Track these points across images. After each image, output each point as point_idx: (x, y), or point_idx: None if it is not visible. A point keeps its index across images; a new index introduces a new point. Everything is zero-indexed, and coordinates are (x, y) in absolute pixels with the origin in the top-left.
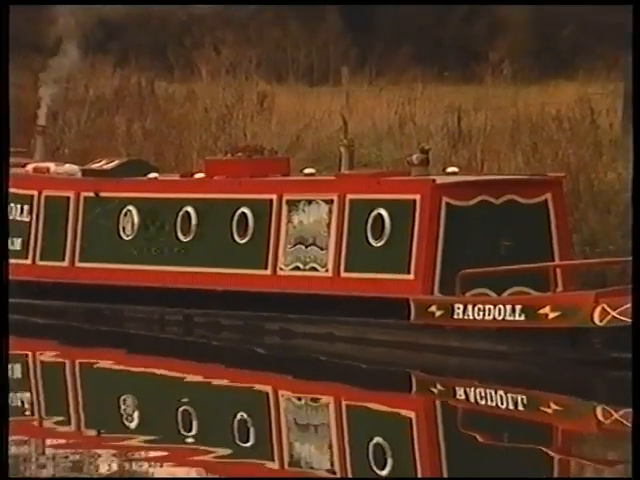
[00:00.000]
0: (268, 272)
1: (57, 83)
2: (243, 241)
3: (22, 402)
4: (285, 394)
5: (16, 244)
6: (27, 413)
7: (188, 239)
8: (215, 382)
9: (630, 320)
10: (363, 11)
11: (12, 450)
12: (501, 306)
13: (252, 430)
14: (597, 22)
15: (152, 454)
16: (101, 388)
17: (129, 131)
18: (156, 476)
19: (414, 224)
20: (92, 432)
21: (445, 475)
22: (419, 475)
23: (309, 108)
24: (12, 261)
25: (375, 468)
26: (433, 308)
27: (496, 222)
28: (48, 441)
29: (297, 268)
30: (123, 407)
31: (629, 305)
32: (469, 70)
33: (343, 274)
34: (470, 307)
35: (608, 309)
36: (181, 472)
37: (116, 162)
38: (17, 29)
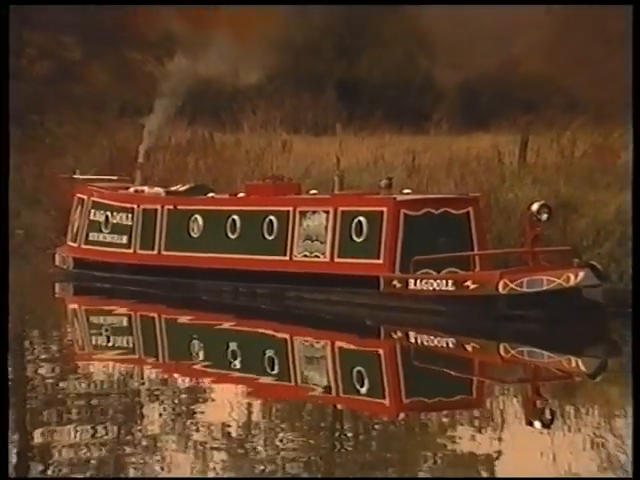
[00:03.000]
0: (287, 258)
1: (151, 135)
2: (270, 238)
3: (127, 344)
4: (297, 338)
5: (123, 239)
6: (130, 350)
7: (234, 236)
8: (252, 330)
9: (522, 290)
10: (351, 87)
11: (121, 377)
12: (439, 281)
13: (276, 362)
14: (506, 94)
15: (210, 378)
16: (178, 334)
17: (196, 166)
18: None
19: (382, 227)
20: (172, 362)
21: (403, 391)
22: (386, 392)
23: (314, 151)
24: (120, 250)
25: (357, 385)
26: (395, 282)
27: (436, 226)
28: (145, 368)
29: (306, 255)
30: (192, 346)
31: (521, 279)
32: (420, 126)
33: (336, 259)
34: (419, 281)
35: (508, 282)
36: (229, 389)
37: (187, 186)
38: (122, 99)
